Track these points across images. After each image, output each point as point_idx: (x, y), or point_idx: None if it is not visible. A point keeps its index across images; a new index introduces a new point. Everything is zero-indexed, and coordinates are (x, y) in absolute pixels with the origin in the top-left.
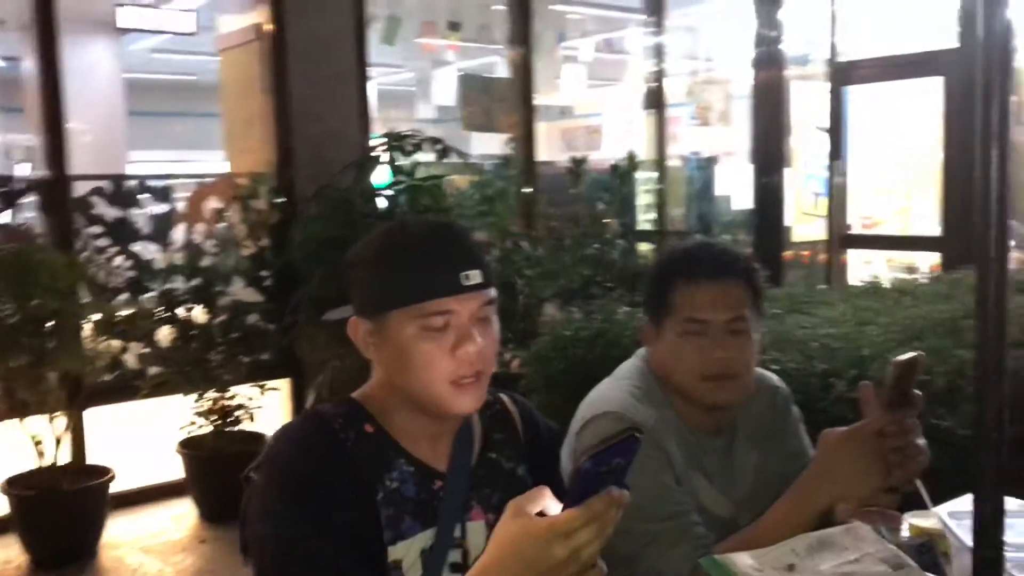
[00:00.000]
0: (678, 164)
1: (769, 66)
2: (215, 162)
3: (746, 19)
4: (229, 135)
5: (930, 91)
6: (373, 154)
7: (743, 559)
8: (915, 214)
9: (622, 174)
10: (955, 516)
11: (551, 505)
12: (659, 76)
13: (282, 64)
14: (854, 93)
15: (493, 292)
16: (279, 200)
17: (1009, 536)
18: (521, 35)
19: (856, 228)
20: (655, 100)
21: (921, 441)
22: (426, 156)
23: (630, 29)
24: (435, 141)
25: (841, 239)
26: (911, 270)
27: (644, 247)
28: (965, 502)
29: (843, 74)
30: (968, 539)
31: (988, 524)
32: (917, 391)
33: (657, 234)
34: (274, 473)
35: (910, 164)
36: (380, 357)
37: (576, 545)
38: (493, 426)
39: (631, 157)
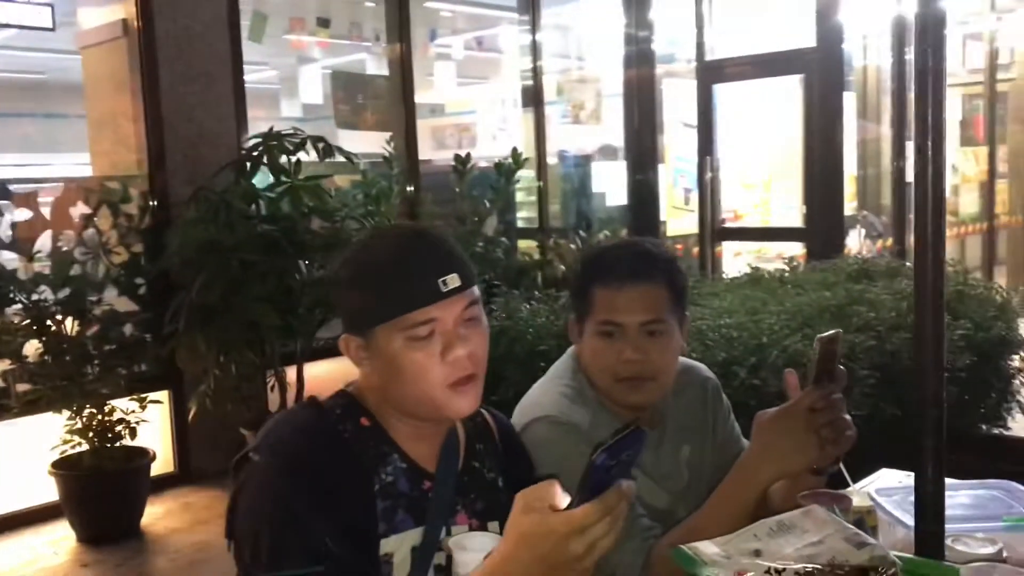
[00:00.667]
0: (555, 162)
1: (640, 65)
2: (67, 165)
3: (617, 18)
4: (94, 136)
5: (789, 89)
6: (254, 154)
7: (709, 547)
8: (775, 207)
9: (506, 172)
10: (882, 493)
11: (562, 499)
12: (536, 74)
13: (151, 61)
14: (721, 91)
15: (476, 291)
16: (152, 204)
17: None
18: (398, 32)
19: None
20: (533, 98)
21: (847, 416)
22: (304, 156)
23: (503, 27)
24: (317, 140)
25: (714, 232)
26: (790, 260)
27: (525, 244)
28: (882, 479)
29: (711, 72)
30: (899, 514)
31: (929, 501)
32: (841, 367)
33: (539, 232)
34: (277, 454)
35: (770, 159)
36: (374, 370)
37: (592, 539)
38: (475, 436)
39: (515, 154)
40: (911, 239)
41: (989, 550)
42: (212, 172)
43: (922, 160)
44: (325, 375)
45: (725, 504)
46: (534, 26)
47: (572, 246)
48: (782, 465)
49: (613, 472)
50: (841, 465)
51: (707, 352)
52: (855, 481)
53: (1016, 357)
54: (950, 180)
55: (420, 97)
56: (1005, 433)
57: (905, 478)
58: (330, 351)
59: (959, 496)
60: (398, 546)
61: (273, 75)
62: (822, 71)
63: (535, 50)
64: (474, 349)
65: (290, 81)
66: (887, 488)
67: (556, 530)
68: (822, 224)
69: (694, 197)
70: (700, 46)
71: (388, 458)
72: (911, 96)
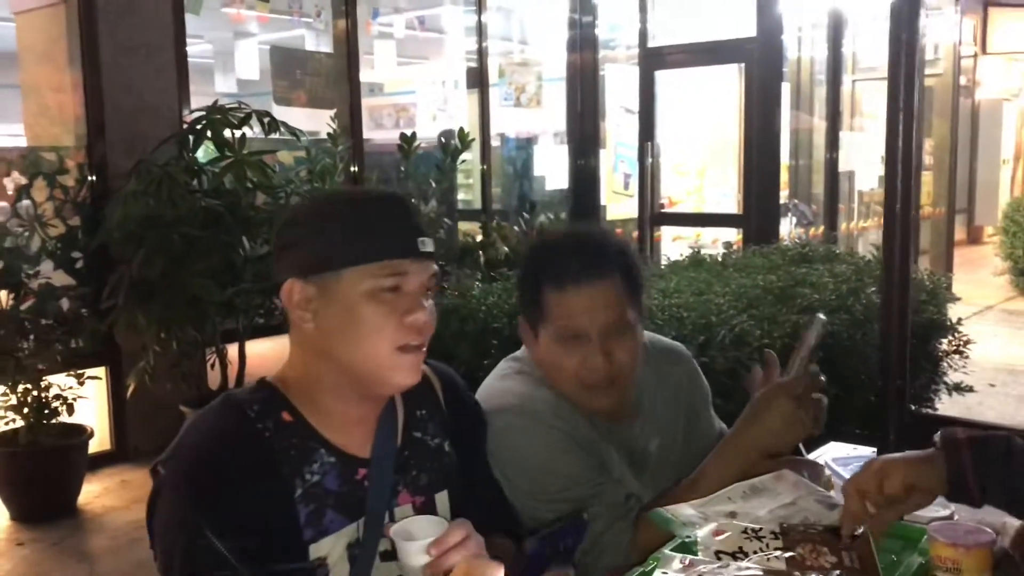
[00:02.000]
0: (496, 144)
1: (584, 49)
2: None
3: (560, 2)
4: (28, 106)
5: (725, 78)
6: (197, 127)
7: (685, 509)
8: (708, 194)
9: (452, 152)
10: (837, 462)
11: None
12: (481, 55)
13: (91, 30)
14: (661, 78)
15: (438, 268)
16: (90, 177)
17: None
18: (344, 8)
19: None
20: (477, 79)
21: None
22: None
23: (446, 7)
24: (263, 115)
25: (653, 217)
26: (728, 245)
27: (467, 227)
28: (832, 450)
29: (653, 59)
30: None
31: None
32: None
33: (482, 213)
34: (185, 473)
35: (705, 147)
36: (319, 326)
37: None
38: (415, 402)
39: (462, 134)
40: (843, 226)
41: (942, 514)
42: (153, 145)
43: (892, 160)
44: (268, 352)
45: (709, 479)
46: (480, 7)
47: (515, 228)
48: (773, 439)
49: (552, 559)
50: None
51: (656, 331)
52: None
53: (944, 341)
54: (878, 171)
55: (361, 76)
56: (933, 412)
57: (853, 450)
58: (273, 329)
59: None
60: (332, 547)
61: (207, 49)
62: (762, 61)
63: (480, 31)
64: (429, 320)
65: (225, 56)
66: (840, 458)
67: None
68: (758, 211)
69: (633, 182)
70: (643, 33)
71: (314, 454)
72: (844, 88)
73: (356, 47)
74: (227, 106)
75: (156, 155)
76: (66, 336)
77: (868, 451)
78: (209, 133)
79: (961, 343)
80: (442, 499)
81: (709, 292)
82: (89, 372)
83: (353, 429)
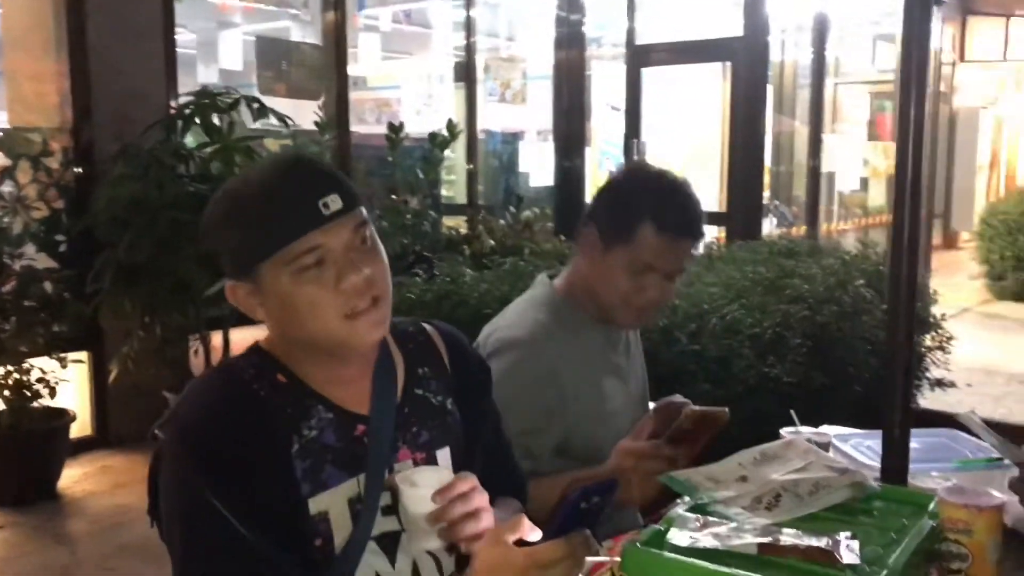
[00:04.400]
0: (483, 138)
1: (571, 47)
2: None
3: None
4: (13, 90)
5: (709, 77)
6: (186, 112)
7: (697, 475)
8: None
9: (440, 143)
10: (838, 438)
11: (530, 533)
12: (469, 50)
13: (80, 15)
14: (648, 75)
15: (363, 213)
16: (77, 160)
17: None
18: (332, 0)
19: None
20: (465, 74)
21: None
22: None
23: (433, 1)
24: (252, 100)
25: None
26: (714, 240)
27: (453, 221)
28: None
29: (640, 57)
30: (856, 455)
31: (896, 438)
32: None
33: (468, 207)
34: (182, 435)
35: (688, 145)
36: (269, 315)
37: None
38: (417, 360)
39: (451, 126)
40: (824, 227)
41: (945, 486)
42: (140, 130)
43: (903, 156)
44: (253, 339)
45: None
46: (469, 1)
47: (501, 221)
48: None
49: (584, 515)
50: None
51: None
52: None
53: (927, 337)
54: (860, 173)
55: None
56: (916, 408)
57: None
58: None
59: (911, 442)
60: (331, 502)
61: (191, 39)
62: (747, 59)
63: (469, 26)
64: (372, 274)
65: (208, 46)
66: (841, 435)
67: (516, 563)
68: (741, 209)
69: None
70: (631, 30)
71: (311, 411)
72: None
73: (344, 39)
74: (216, 91)
75: (143, 140)
76: (49, 319)
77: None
78: (198, 119)
79: (944, 339)
80: (444, 456)
81: (699, 283)
82: (72, 356)
83: (348, 386)
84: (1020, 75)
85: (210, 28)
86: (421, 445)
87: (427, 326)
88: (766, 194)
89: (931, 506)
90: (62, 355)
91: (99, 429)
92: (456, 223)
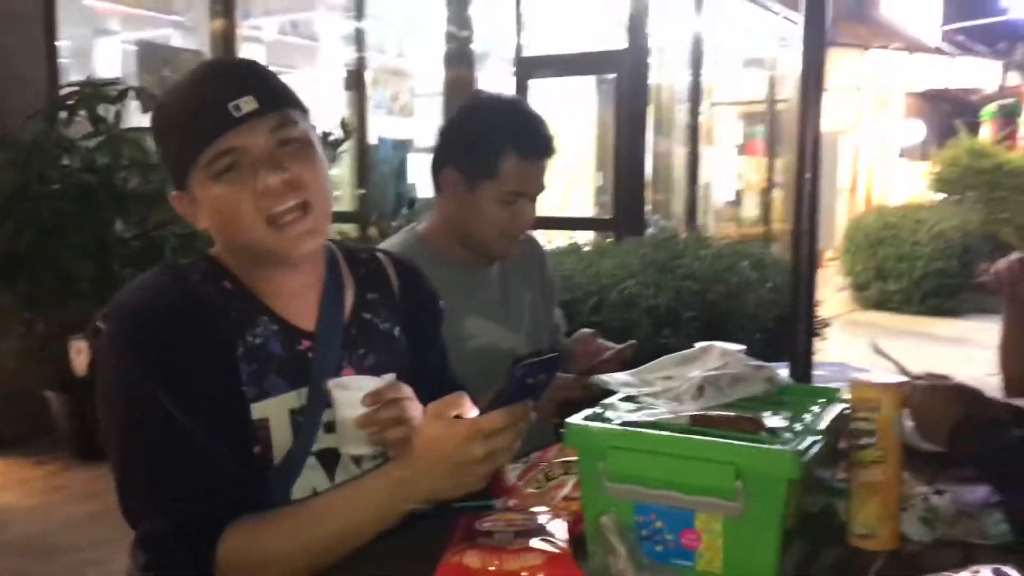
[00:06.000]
0: (373, 143)
1: (459, 62)
2: None
3: (434, 13)
4: None
5: (588, 92)
6: (69, 103)
7: (620, 376)
8: (571, 200)
9: (334, 143)
10: None
11: (470, 410)
12: (360, 60)
13: None
14: (535, 86)
15: (290, 114)
16: None
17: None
18: (223, 6)
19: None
20: (355, 82)
21: None
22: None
23: (320, 12)
24: (140, 90)
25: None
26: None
27: (343, 228)
28: None
29: (527, 68)
30: None
31: (800, 350)
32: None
33: (359, 215)
34: (125, 322)
35: (573, 155)
36: (208, 224)
37: (493, 447)
38: (367, 285)
39: (344, 124)
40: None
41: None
42: (20, 120)
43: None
44: None
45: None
46: (359, 12)
47: (393, 223)
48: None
49: (528, 390)
50: None
51: None
52: None
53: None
54: (735, 186)
55: None
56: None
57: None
58: None
59: None
60: (274, 410)
61: (65, 45)
62: (631, 72)
63: (359, 37)
64: (295, 175)
65: (82, 54)
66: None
67: (459, 432)
68: (627, 214)
69: None
70: (519, 45)
71: (256, 320)
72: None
73: (232, 47)
74: (102, 81)
75: (24, 129)
76: None
77: None
78: (83, 110)
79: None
80: (389, 380)
81: (597, 264)
82: None
83: (295, 301)
84: (876, 103)
85: (85, 34)
86: (367, 368)
87: (380, 254)
88: (648, 207)
89: (837, 394)
90: None
91: None
92: (345, 229)
